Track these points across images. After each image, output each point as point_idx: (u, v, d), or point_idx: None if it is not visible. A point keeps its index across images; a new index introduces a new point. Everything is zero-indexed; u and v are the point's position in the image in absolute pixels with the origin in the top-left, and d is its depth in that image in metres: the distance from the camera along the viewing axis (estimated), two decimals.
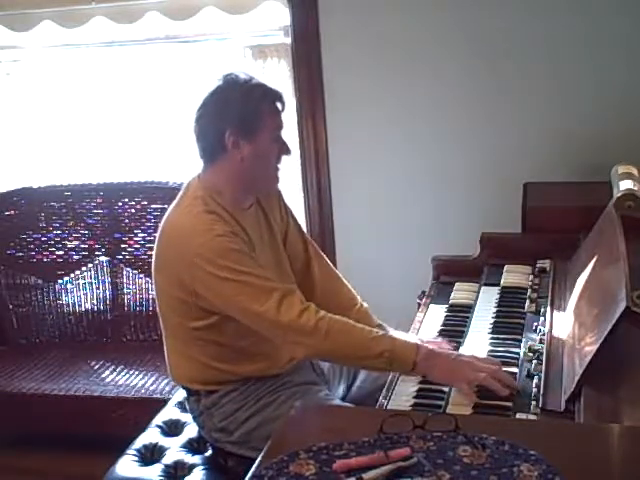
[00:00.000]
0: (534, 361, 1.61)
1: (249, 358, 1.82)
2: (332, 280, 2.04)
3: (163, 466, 1.87)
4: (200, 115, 1.78)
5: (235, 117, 1.73)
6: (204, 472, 1.84)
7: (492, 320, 1.90)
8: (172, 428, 2.03)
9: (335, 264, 2.86)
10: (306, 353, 1.74)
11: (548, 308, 1.85)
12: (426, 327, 1.95)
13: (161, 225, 1.83)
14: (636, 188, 1.96)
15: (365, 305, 2.01)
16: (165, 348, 1.91)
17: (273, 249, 1.91)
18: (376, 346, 1.66)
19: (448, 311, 2.03)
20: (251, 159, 1.76)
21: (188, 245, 1.71)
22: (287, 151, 1.82)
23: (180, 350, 1.86)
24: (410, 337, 1.82)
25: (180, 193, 1.85)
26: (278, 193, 1.99)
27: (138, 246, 3.11)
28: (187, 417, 2.03)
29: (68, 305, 3.17)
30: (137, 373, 2.83)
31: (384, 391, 1.63)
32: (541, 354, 1.62)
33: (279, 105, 1.78)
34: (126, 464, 1.88)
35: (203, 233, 1.70)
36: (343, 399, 1.98)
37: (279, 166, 1.83)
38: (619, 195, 1.92)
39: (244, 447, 1.82)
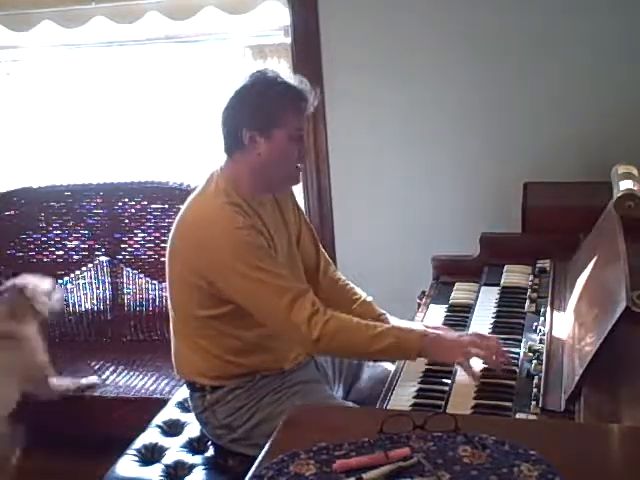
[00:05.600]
0: (534, 361, 1.61)
1: (258, 350, 1.84)
2: (335, 282, 2.05)
3: (163, 466, 1.87)
4: (223, 110, 1.81)
5: (251, 113, 1.76)
6: (204, 472, 1.84)
7: (492, 320, 1.91)
8: (172, 428, 2.03)
9: (335, 264, 2.85)
10: (313, 353, 1.86)
11: (548, 308, 1.85)
12: None
13: (180, 213, 1.84)
14: (636, 188, 1.95)
15: (369, 298, 2.02)
16: (173, 342, 1.91)
17: (288, 248, 1.93)
18: (381, 341, 1.70)
19: (448, 311, 2.03)
20: (267, 156, 1.78)
21: (208, 234, 1.73)
22: (305, 153, 1.86)
23: (189, 341, 1.86)
24: (415, 324, 1.89)
25: (203, 183, 1.85)
26: (292, 197, 2.01)
27: (138, 246, 3.11)
28: (187, 417, 2.04)
29: (68, 305, 3.16)
30: (137, 373, 2.83)
31: (384, 391, 1.64)
32: (541, 354, 1.63)
33: (301, 104, 1.79)
34: (126, 464, 1.89)
35: (225, 224, 1.72)
36: (343, 399, 1.99)
37: (299, 166, 1.86)
38: (619, 195, 1.92)
39: (245, 443, 1.83)
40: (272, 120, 1.76)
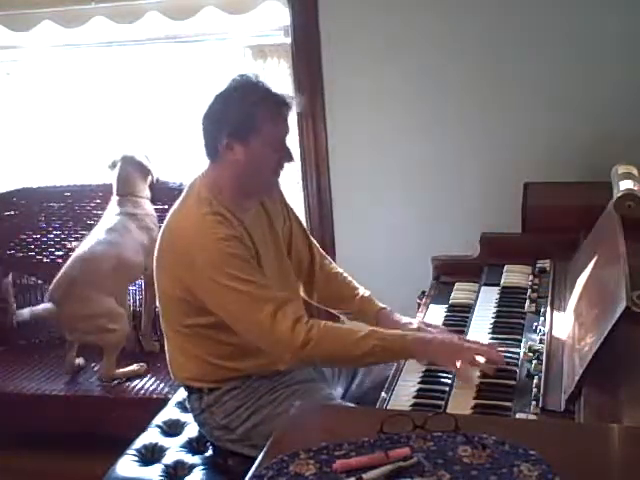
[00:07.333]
0: (534, 361, 1.61)
1: (250, 355, 1.83)
2: (334, 277, 2.06)
3: (163, 466, 1.87)
4: (203, 115, 1.80)
5: (229, 120, 1.74)
6: (204, 472, 1.84)
7: (492, 320, 1.91)
8: (172, 428, 2.03)
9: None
10: (299, 361, 1.77)
11: (548, 308, 1.85)
12: None
13: (165, 223, 1.83)
14: (636, 188, 1.95)
15: (367, 293, 2.02)
16: (166, 347, 1.91)
17: (276, 254, 1.91)
18: (365, 344, 1.69)
19: (448, 311, 2.03)
20: (246, 162, 1.76)
21: (190, 247, 1.72)
22: (289, 158, 1.81)
23: (181, 348, 1.86)
24: (412, 321, 1.90)
25: (185, 191, 1.85)
26: (280, 196, 1.99)
27: None
28: (187, 417, 2.03)
29: None
30: None
31: (384, 391, 1.64)
32: (541, 354, 1.63)
33: (282, 110, 1.76)
34: (126, 464, 1.88)
35: (205, 236, 1.71)
36: (342, 398, 1.99)
37: (279, 172, 1.83)
38: (619, 195, 1.92)
39: (244, 445, 1.82)
40: (249, 126, 1.73)
